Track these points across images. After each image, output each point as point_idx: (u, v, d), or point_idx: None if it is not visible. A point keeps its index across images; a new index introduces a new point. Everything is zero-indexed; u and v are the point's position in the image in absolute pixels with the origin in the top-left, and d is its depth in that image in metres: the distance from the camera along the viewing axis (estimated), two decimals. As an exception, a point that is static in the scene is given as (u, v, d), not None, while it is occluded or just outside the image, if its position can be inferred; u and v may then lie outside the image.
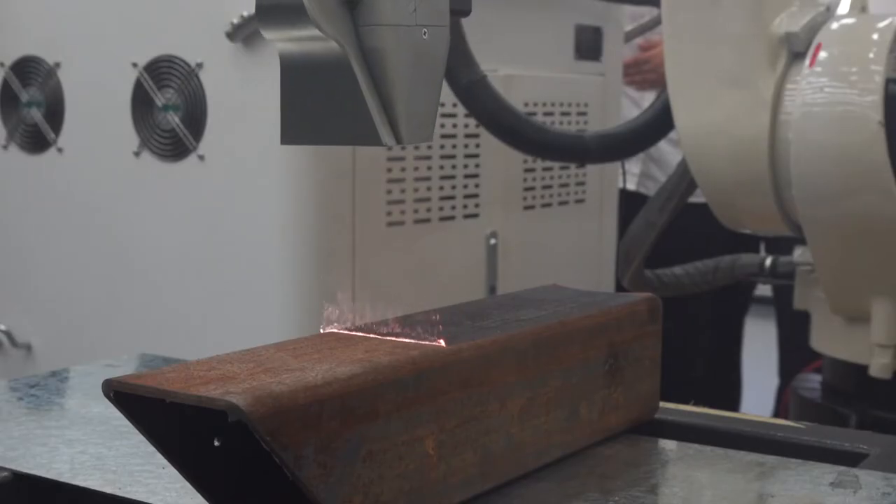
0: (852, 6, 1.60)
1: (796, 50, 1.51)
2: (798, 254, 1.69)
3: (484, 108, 1.66)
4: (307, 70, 0.80)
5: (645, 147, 1.89)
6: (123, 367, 1.20)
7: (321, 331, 0.83)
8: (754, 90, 1.51)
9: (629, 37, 2.49)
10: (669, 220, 1.81)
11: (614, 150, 1.83)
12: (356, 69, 0.79)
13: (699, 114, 1.56)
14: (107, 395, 0.71)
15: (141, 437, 0.73)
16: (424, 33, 0.81)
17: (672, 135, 1.74)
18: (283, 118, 0.82)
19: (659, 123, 1.76)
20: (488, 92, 1.65)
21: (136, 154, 1.74)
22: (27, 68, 1.87)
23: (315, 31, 0.77)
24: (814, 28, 1.51)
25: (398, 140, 0.81)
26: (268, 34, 0.80)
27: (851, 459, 0.94)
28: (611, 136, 1.81)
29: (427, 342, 0.79)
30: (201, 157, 1.68)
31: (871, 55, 1.45)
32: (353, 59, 0.78)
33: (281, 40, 0.80)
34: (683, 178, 1.74)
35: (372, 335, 0.82)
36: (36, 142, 1.87)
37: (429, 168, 1.81)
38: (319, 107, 0.81)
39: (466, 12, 0.90)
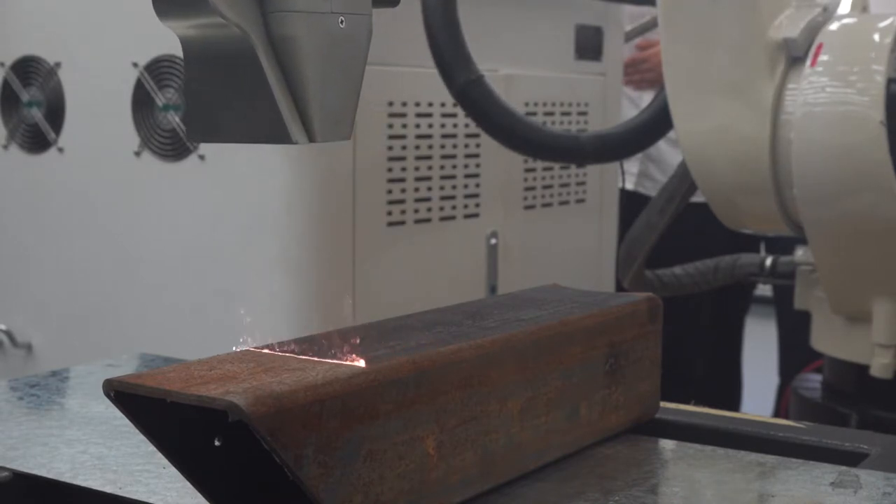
0: (853, 6, 1.60)
1: (795, 55, 1.51)
2: (799, 254, 1.69)
3: (479, 107, 1.66)
4: (211, 61, 0.73)
5: (641, 148, 1.89)
6: (124, 367, 1.20)
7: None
8: (754, 97, 1.51)
9: (629, 37, 2.49)
10: (670, 221, 1.81)
11: (610, 151, 1.83)
12: (263, 60, 0.72)
13: (699, 120, 1.56)
14: (107, 395, 0.71)
15: (141, 437, 0.73)
16: (341, 21, 0.75)
17: (671, 134, 1.74)
18: (188, 114, 0.76)
19: (656, 124, 1.76)
20: (484, 92, 1.65)
21: (137, 154, 1.74)
22: (27, 68, 1.87)
23: (217, 18, 0.70)
24: (812, 31, 1.51)
25: (311, 138, 0.74)
26: (166, 21, 0.73)
27: (852, 459, 0.94)
28: (607, 137, 1.80)
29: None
30: (202, 157, 1.68)
31: (873, 55, 1.45)
32: (259, 48, 0.71)
33: (181, 28, 0.73)
34: (684, 180, 1.74)
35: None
36: (36, 142, 1.87)
37: (429, 168, 1.81)
38: (225, 101, 0.74)
39: (394, 2, 0.84)
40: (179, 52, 0.76)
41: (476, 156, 1.90)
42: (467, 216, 1.90)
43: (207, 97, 0.74)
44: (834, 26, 1.51)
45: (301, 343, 0.80)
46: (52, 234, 1.87)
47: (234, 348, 0.77)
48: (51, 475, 0.87)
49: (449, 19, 1.61)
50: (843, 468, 0.89)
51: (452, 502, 0.79)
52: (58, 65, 1.83)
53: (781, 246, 2.13)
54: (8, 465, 0.89)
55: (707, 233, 2.16)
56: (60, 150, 1.85)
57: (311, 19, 0.72)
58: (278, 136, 0.73)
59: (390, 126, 1.73)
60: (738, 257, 1.92)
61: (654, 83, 2.68)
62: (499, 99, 1.67)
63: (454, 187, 1.86)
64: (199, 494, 0.75)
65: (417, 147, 1.78)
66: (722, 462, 0.92)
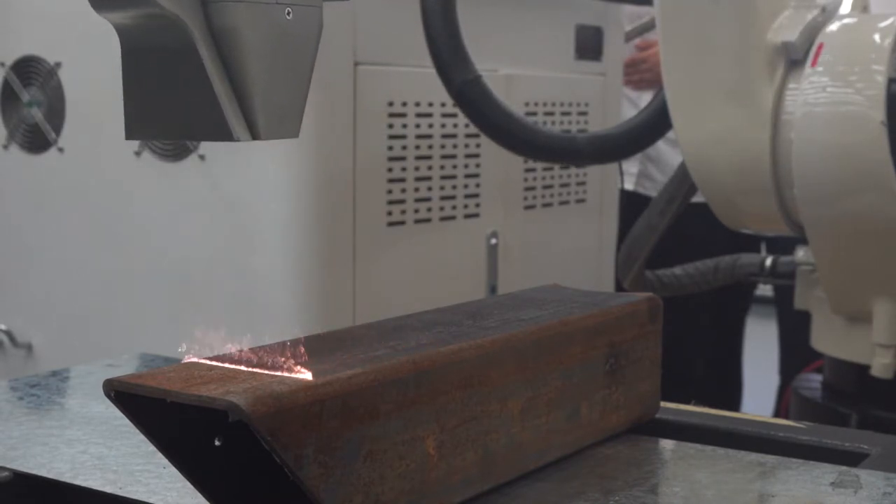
0: (853, 6, 1.60)
1: (794, 58, 1.51)
2: (799, 254, 1.69)
3: (476, 107, 1.66)
4: (149, 54, 0.70)
5: (638, 150, 1.89)
6: (124, 367, 1.20)
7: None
8: (754, 101, 1.51)
9: (629, 37, 2.49)
10: (671, 222, 1.81)
11: (607, 153, 1.83)
12: (203, 53, 0.68)
13: (700, 126, 1.56)
14: (107, 395, 0.71)
15: (141, 437, 0.73)
16: (288, 13, 0.71)
17: (670, 134, 1.74)
18: (127, 110, 0.73)
19: (653, 126, 1.76)
20: (481, 92, 1.65)
21: (137, 154, 1.74)
22: (28, 68, 1.87)
23: (154, 8, 0.66)
24: (811, 33, 1.51)
25: (254, 135, 0.71)
26: (101, 12, 0.69)
27: (852, 459, 0.94)
28: (603, 138, 1.80)
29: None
30: (202, 157, 1.68)
31: (873, 55, 1.45)
32: (199, 40, 0.68)
33: (117, 19, 0.69)
34: (684, 181, 1.74)
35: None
36: (37, 142, 1.87)
37: (429, 168, 1.81)
38: (165, 96, 0.70)
39: None
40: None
41: (476, 156, 1.90)
42: (467, 216, 1.90)
43: (146, 92, 0.71)
44: (834, 26, 1.51)
45: (301, 343, 0.79)
46: (52, 234, 1.87)
47: (234, 348, 0.77)
48: (51, 475, 0.87)
49: (447, 19, 1.61)
50: (843, 468, 0.89)
51: (453, 502, 0.79)
52: (58, 65, 1.83)
53: (781, 246, 2.13)
54: (8, 465, 0.89)
55: (707, 233, 2.16)
56: (60, 150, 1.85)
57: (254, 10, 0.69)
58: (219, 132, 0.70)
59: (390, 126, 1.73)
60: (738, 257, 1.92)
61: (653, 83, 2.68)
62: (496, 99, 1.67)
63: (454, 187, 1.86)
64: (199, 494, 0.75)
65: (417, 147, 1.78)
66: (722, 462, 0.92)
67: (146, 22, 0.68)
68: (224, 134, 0.69)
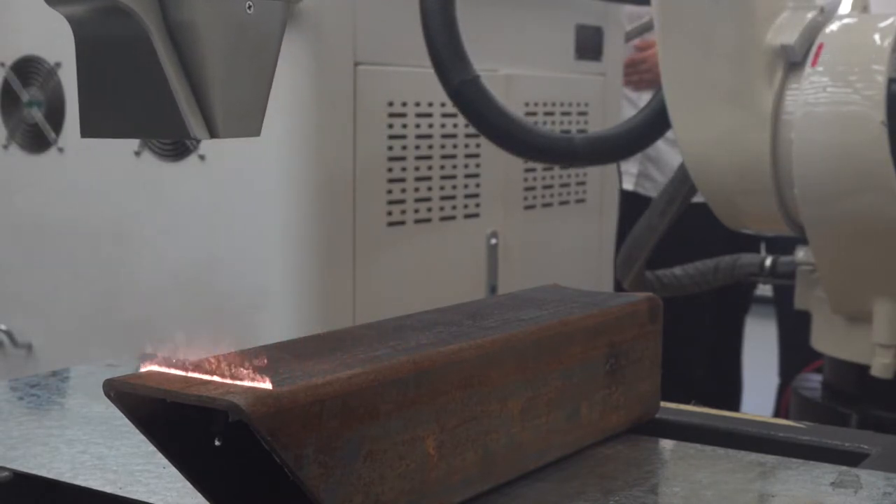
0: (853, 6, 1.60)
1: (793, 60, 1.51)
2: (799, 254, 1.69)
3: (473, 108, 1.66)
4: (104, 49, 0.68)
5: (635, 151, 1.89)
6: (124, 367, 1.20)
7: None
8: (753, 105, 1.51)
9: (628, 37, 2.49)
10: (671, 223, 1.81)
11: (603, 154, 1.82)
12: (159, 48, 0.66)
13: (699, 129, 1.56)
14: (107, 395, 0.71)
15: (141, 437, 0.73)
16: (249, 7, 0.69)
17: (669, 134, 1.74)
18: (82, 107, 0.70)
19: (650, 127, 1.75)
20: (478, 92, 1.65)
21: (137, 154, 1.74)
22: (28, 68, 1.87)
23: (108, 2, 0.64)
24: (810, 34, 1.50)
25: (212, 133, 0.69)
26: (54, 5, 0.67)
27: (852, 459, 0.94)
28: (600, 140, 1.79)
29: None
30: (202, 157, 1.68)
31: (873, 55, 1.45)
32: (155, 35, 0.66)
33: (71, 13, 0.67)
34: (684, 182, 1.74)
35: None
36: (37, 142, 1.87)
37: (429, 168, 1.81)
38: (121, 93, 0.68)
39: None
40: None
41: (476, 156, 1.90)
42: (467, 216, 1.89)
43: (102, 89, 0.69)
44: (835, 26, 1.51)
45: (301, 343, 0.80)
46: (52, 234, 1.87)
47: (234, 348, 0.77)
48: (51, 475, 0.87)
49: (446, 19, 1.61)
50: (843, 468, 0.89)
51: (453, 502, 0.79)
52: (58, 65, 1.83)
53: (781, 246, 2.13)
54: (8, 465, 0.89)
55: (707, 233, 2.16)
56: (60, 150, 1.85)
57: (212, 4, 0.66)
58: (176, 130, 0.67)
59: (390, 126, 1.73)
60: (738, 257, 1.92)
61: (652, 83, 2.68)
62: (493, 100, 1.67)
63: (454, 187, 1.86)
64: (199, 494, 0.75)
65: (417, 147, 1.78)
66: (722, 462, 0.92)
67: (100, 16, 0.66)
68: (181, 131, 0.67)
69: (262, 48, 0.70)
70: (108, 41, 0.67)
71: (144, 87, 0.67)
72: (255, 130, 0.72)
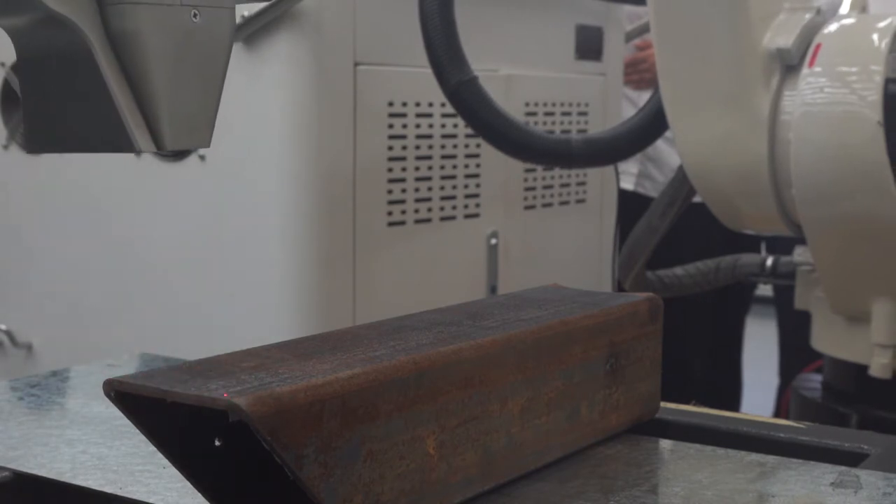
0: (852, 6, 1.61)
1: (789, 63, 1.51)
2: (798, 254, 1.69)
3: (470, 108, 1.66)
4: (45, 61, 0.65)
5: (632, 153, 1.89)
6: (124, 367, 1.20)
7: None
8: (751, 108, 1.51)
9: (628, 37, 2.49)
10: (671, 224, 1.81)
11: (600, 155, 1.82)
12: (101, 59, 0.64)
13: (697, 133, 1.57)
14: (108, 395, 0.71)
15: (142, 437, 0.73)
16: (195, 15, 0.67)
17: (668, 134, 1.74)
18: (26, 122, 0.68)
19: (647, 129, 1.75)
20: (475, 92, 1.65)
21: (137, 154, 1.74)
22: (27, 68, 1.87)
23: (44, 13, 0.62)
24: (806, 37, 1.51)
25: (159, 145, 0.67)
26: None
27: (852, 459, 0.94)
28: (597, 142, 1.79)
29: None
30: (202, 158, 1.68)
31: (871, 55, 1.45)
32: (95, 46, 0.64)
33: (9, 25, 0.65)
34: (684, 184, 1.74)
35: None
36: (36, 142, 1.87)
37: (429, 168, 1.81)
38: (64, 106, 0.66)
39: None
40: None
41: (476, 156, 1.90)
42: (467, 216, 1.90)
43: (45, 103, 0.67)
44: (833, 27, 1.51)
45: (301, 343, 0.80)
46: (52, 233, 1.87)
47: (234, 348, 0.77)
48: (51, 475, 0.87)
49: (445, 20, 1.61)
50: (843, 468, 0.89)
51: (453, 502, 0.79)
52: (58, 65, 1.83)
53: (781, 246, 2.13)
54: (8, 465, 0.89)
55: (707, 233, 2.16)
56: (60, 150, 1.84)
57: (156, 12, 0.64)
58: (121, 143, 0.66)
59: (390, 126, 1.73)
60: (738, 257, 1.92)
61: (652, 83, 2.68)
62: (490, 101, 1.67)
63: (454, 187, 1.86)
64: (199, 494, 0.75)
65: (417, 147, 1.78)
66: (722, 462, 0.92)
67: (40, 28, 0.64)
68: (125, 145, 0.66)
69: (210, 57, 0.68)
70: (49, 54, 0.65)
71: (88, 100, 0.65)
72: (204, 141, 0.70)
